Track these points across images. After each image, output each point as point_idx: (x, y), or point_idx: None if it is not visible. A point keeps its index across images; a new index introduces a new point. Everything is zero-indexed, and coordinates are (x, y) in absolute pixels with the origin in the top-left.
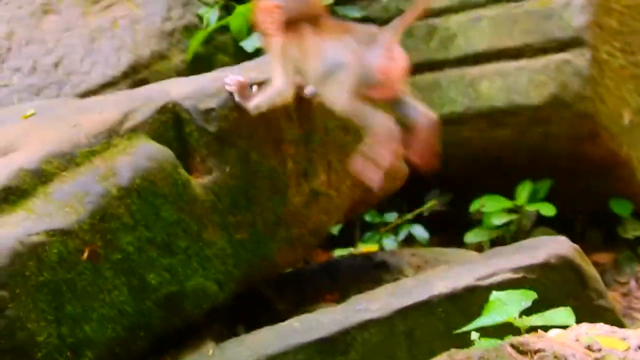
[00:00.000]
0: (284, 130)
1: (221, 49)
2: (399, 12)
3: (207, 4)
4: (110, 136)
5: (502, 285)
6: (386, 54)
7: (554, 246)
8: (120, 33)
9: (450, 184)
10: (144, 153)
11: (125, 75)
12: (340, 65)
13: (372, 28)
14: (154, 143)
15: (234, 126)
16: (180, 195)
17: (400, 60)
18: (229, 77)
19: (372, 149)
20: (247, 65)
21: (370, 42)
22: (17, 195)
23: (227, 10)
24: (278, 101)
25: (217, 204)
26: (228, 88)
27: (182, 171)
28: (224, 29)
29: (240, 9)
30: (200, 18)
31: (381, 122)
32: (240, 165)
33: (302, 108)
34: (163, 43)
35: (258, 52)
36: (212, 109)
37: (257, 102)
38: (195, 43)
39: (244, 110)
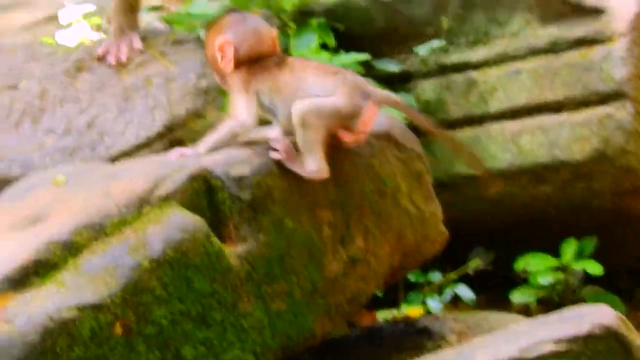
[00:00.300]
0: (318, 195)
1: None
2: (438, 66)
3: None
4: (141, 205)
5: (545, 357)
6: (375, 110)
7: (598, 315)
8: (155, 91)
9: (494, 242)
10: (176, 223)
11: (160, 135)
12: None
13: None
14: (186, 212)
15: (268, 192)
16: (213, 266)
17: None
18: (274, 140)
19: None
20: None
21: (361, 90)
22: (47, 268)
23: None
24: (240, 136)
25: (252, 274)
26: (275, 156)
27: (215, 240)
28: None
29: None
30: None
31: (321, 166)
32: (275, 233)
33: (337, 172)
34: (198, 101)
35: None
36: (245, 176)
37: (214, 140)
38: (227, 100)
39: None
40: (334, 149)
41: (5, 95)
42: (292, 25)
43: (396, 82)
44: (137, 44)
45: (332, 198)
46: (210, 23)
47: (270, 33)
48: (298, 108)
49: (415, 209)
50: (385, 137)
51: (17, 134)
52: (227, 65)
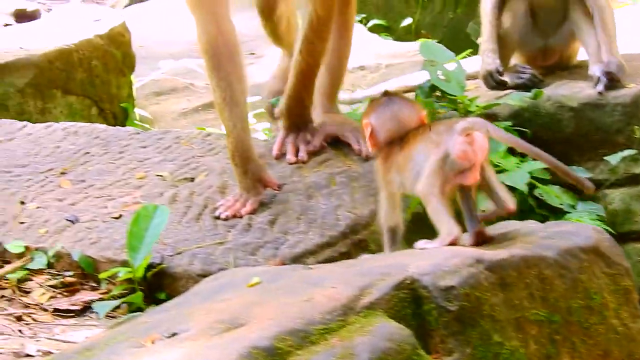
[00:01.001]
0: (526, 309)
1: None
2: (628, 174)
3: None
4: (346, 313)
5: None
6: (464, 139)
7: None
8: (338, 190)
9: None
10: (382, 332)
11: (344, 235)
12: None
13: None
14: (392, 321)
15: (476, 305)
16: None
17: (479, 143)
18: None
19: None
20: None
21: (448, 131)
22: None
23: None
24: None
25: None
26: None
27: (422, 352)
28: None
29: None
30: None
31: (450, 229)
32: (482, 347)
33: (545, 287)
34: None
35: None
36: (453, 287)
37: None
38: (414, 202)
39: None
40: (544, 264)
41: (185, 188)
42: None
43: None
44: (316, 141)
45: (539, 313)
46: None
47: (415, 115)
48: (417, 190)
49: (623, 326)
50: (594, 252)
51: (197, 228)
52: (370, 146)
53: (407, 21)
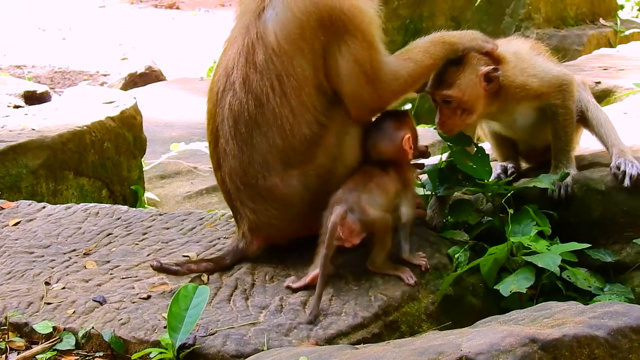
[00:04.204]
0: None
1: (471, 290)
2: None
3: (457, 243)
4: None
5: None
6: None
7: None
8: (371, 273)
9: None
10: None
11: (376, 316)
12: None
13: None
14: None
15: None
16: None
17: (347, 225)
18: None
19: None
20: None
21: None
22: None
23: (475, 251)
24: None
25: None
26: None
27: None
28: (473, 270)
29: (491, 250)
30: (450, 258)
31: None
32: None
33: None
34: (413, 285)
35: (513, 295)
36: None
37: None
38: (445, 284)
39: None
40: (595, 344)
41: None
42: (509, 210)
43: (611, 272)
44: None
45: None
46: None
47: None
48: None
49: None
50: None
51: (229, 309)
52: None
53: (406, 107)
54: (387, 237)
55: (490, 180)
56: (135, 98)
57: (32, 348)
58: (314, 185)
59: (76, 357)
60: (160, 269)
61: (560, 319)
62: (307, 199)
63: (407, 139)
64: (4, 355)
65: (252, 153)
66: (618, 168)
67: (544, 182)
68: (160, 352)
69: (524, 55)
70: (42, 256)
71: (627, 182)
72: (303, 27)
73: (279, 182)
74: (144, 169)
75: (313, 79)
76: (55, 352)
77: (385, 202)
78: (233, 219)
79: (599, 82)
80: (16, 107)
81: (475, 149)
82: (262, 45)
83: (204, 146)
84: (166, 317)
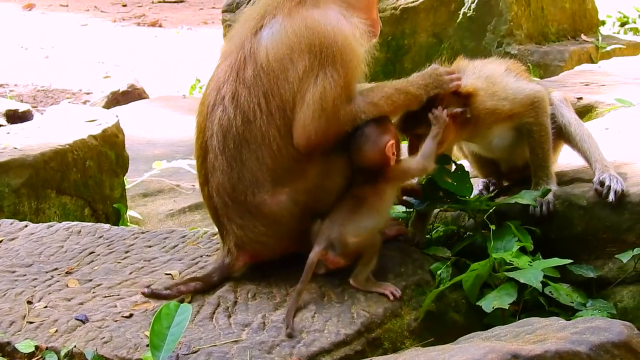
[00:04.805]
0: None
1: (453, 307)
2: (637, 273)
3: (439, 260)
4: None
5: None
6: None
7: None
8: (352, 290)
9: None
10: None
11: (359, 333)
12: None
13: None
14: None
15: None
16: None
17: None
18: None
19: None
20: None
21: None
22: None
23: (458, 267)
24: None
25: None
26: None
27: None
28: (456, 286)
29: (473, 266)
30: (432, 274)
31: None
32: None
33: None
34: (395, 300)
35: (496, 311)
36: None
37: None
38: (428, 301)
39: None
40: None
41: None
42: (491, 226)
43: (593, 288)
44: None
45: None
46: None
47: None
48: None
49: None
50: (625, 347)
51: (212, 326)
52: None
53: None
54: (373, 256)
55: (472, 196)
56: (117, 116)
57: None
58: (303, 202)
59: None
60: (152, 295)
61: (542, 335)
62: (296, 216)
63: (390, 145)
64: None
65: (241, 169)
66: (601, 184)
67: (525, 198)
68: None
69: (496, 78)
70: (24, 275)
71: (611, 197)
72: (292, 49)
73: (268, 198)
74: (126, 187)
75: (292, 102)
76: None
77: (378, 222)
78: (215, 237)
79: (580, 98)
80: None
81: (455, 167)
82: (253, 61)
83: (186, 164)
84: (149, 335)
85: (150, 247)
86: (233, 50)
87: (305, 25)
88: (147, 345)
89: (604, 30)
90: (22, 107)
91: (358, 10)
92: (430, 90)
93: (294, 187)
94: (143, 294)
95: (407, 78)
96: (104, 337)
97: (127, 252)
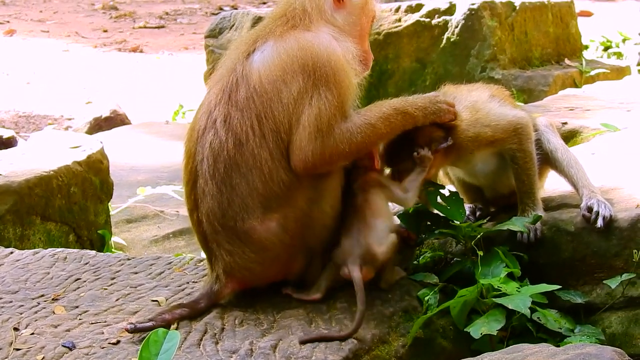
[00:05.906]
0: None
1: (441, 333)
2: (626, 297)
3: (427, 286)
4: None
5: None
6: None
7: None
8: (339, 315)
9: None
10: None
11: None
12: None
13: None
14: None
15: None
16: None
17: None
18: None
19: None
20: None
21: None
22: None
23: (445, 293)
24: None
25: None
26: None
27: None
28: (444, 312)
29: (461, 292)
30: (420, 301)
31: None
32: None
33: None
34: (383, 327)
35: (484, 337)
36: None
37: None
38: (415, 327)
39: None
40: None
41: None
42: (479, 252)
43: (581, 314)
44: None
45: None
46: None
47: None
48: None
49: None
50: None
51: (199, 353)
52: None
53: None
54: (394, 255)
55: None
56: (101, 142)
57: None
58: (293, 229)
59: None
60: (135, 330)
61: None
62: (285, 243)
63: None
64: None
65: (231, 194)
66: (589, 209)
67: (516, 224)
68: None
69: (479, 105)
70: (11, 302)
71: (600, 222)
72: (285, 70)
73: (258, 225)
74: (110, 214)
75: (287, 124)
76: None
77: (387, 223)
78: (202, 263)
79: (565, 123)
80: None
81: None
82: (245, 84)
83: (170, 190)
84: None
85: (136, 273)
86: (225, 74)
87: (297, 46)
88: None
89: (587, 54)
90: (6, 134)
91: (351, 38)
92: (427, 115)
93: (283, 214)
94: (127, 330)
95: (406, 98)
96: None
97: (113, 278)
